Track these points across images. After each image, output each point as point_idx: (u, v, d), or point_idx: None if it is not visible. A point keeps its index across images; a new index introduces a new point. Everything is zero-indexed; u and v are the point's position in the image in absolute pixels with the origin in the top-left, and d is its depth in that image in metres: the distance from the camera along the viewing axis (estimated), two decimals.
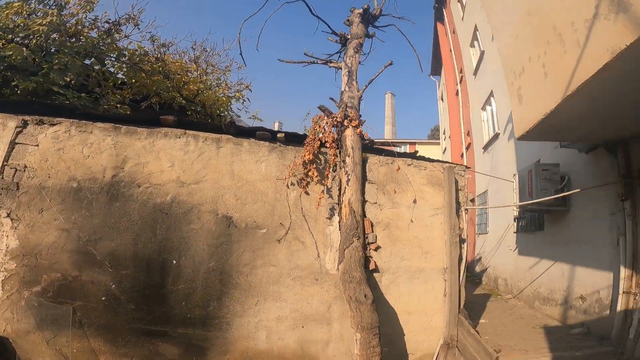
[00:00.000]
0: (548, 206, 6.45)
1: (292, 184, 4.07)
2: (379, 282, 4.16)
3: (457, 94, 16.46)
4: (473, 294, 9.49)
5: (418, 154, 4.93)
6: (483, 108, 12.21)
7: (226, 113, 7.34)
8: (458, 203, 4.52)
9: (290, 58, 5.21)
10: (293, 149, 4.17)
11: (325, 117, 4.37)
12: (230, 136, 4.02)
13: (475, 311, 7.43)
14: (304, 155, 3.93)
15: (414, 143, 30.50)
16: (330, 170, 4.22)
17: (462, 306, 4.38)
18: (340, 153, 4.23)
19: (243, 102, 7.10)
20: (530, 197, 6.53)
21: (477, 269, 12.43)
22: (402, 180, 4.43)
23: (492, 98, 11.13)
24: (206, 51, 7.68)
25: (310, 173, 3.95)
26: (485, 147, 11.78)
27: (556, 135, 4.91)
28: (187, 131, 3.97)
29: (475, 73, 13.03)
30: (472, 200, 13.75)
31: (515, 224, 8.99)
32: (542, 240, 7.48)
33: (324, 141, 4.01)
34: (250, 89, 7.05)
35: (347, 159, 4.12)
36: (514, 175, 7.71)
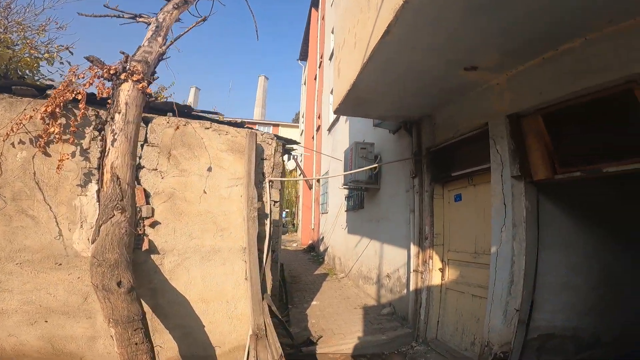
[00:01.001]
0: (365, 184, 6.93)
1: (22, 142, 3.10)
2: (159, 265, 3.59)
3: (315, 78, 16.91)
4: (313, 274, 9.89)
5: (244, 124, 4.52)
6: (331, 92, 12.71)
7: (31, 74, 6.11)
8: (262, 174, 4.26)
9: None
10: (30, 101, 3.19)
11: (96, 69, 3.54)
12: None
13: (310, 292, 7.63)
14: (44, 108, 3.01)
15: (277, 125, 30.78)
16: (92, 129, 3.40)
17: (269, 291, 4.16)
18: (110, 110, 3.46)
19: (52, 64, 5.91)
20: (350, 175, 6.91)
21: (321, 248, 13.12)
22: (196, 144, 3.92)
23: None
24: (9, 8, 6.22)
25: (52, 130, 3.06)
26: (330, 129, 12.34)
27: (362, 110, 5.14)
28: None
29: (330, 58, 13.42)
30: (318, 181, 14.43)
31: (346, 203, 9.62)
32: (362, 218, 8.10)
33: (76, 93, 3.15)
34: (70, 52, 5.77)
35: (117, 116, 3.36)
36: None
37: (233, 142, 4.11)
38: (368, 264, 7.43)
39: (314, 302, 6.81)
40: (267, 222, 4.11)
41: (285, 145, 6.72)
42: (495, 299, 3.55)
